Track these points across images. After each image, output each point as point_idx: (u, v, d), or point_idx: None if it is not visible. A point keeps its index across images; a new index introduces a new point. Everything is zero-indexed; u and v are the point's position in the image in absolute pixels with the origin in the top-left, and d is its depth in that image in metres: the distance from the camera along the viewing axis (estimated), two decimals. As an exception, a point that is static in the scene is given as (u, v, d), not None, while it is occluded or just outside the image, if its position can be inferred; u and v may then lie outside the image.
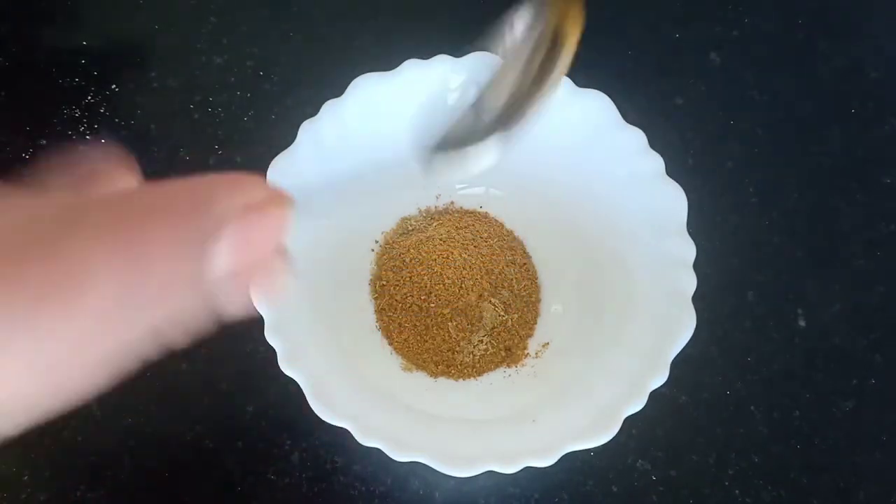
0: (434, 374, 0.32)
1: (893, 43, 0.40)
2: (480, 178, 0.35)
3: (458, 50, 0.31)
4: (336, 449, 0.33)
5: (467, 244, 0.33)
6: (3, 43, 0.38)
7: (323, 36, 0.39)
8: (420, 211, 0.35)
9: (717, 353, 0.35)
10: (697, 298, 0.28)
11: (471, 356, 0.32)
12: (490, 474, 0.27)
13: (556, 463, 0.26)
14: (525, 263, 0.34)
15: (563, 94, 0.31)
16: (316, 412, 0.26)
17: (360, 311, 0.33)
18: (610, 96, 0.31)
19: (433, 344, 0.32)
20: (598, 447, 0.26)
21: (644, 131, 0.30)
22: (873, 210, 0.37)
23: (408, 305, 0.32)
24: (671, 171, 0.30)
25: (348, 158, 0.32)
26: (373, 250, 0.34)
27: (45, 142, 0.36)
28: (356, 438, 0.26)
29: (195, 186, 0.16)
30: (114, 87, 0.38)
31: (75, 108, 0.37)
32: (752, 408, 0.34)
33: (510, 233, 0.35)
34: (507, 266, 0.33)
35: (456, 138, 0.24)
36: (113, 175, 0.16)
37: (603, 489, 0.32)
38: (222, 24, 0.39)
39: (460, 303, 0.32)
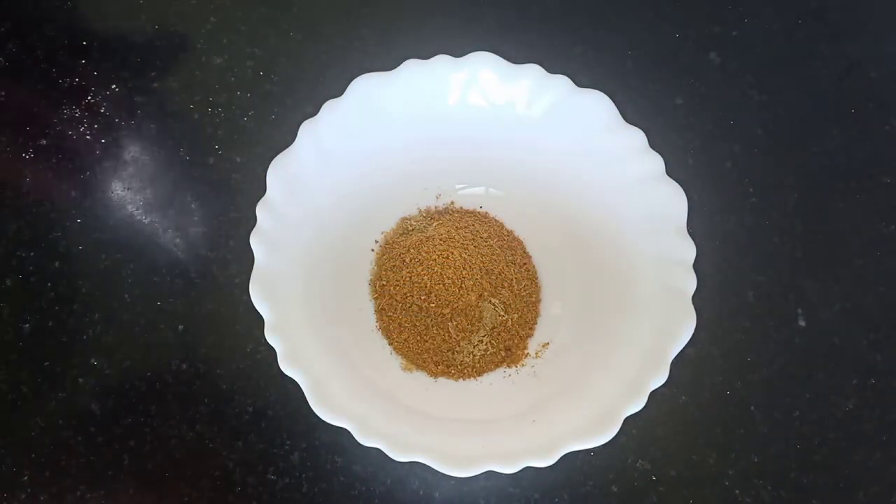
0: (434, 374, 0.32)
1: (893, 43, 0.40)
2: (480, 178, 0.35)
3: (458, 50, 0.31)
4: (336, 449, 0.33)
5: (467, 244, 0.33)
6: (3, 43, 0.38)
7: (323, 36, 0.39)
8: (420, 211, 0.35)
9: (717, 353, 0.35)
10: (697, 298, 0.28)
11: (471, 356, 0.32)
12: (490, 474, 0.27)
13: (556, 463, 0.26)
14: (525, 263, 0.34)
15: (563, 94, 0.31)
16: (316, 412, 0.26)
17: (360, 311, 0.33)
18: (610, 96, 0.31)
19: (433, 344, 0.32)
20: (598, 447, 0.26)
21: (644, 131, 0.30)
22: (873, 210, 0.37)
23: (408, 305, 0.32)
24: (671, 171, 0.30)
25: (348, 158, 0.32)
26: (373, 250, 0.34)
27: (45, 142, 0.36)
28: (356, 438, 0.26)
29: None
30: (114, 87, 0.38)
31: (75, 108, 0.37)
32: (752, 408, 0.34)
33: (510, 233, 0.35)
34: (507, 266, 0.33)
35: None
36: None
37: (603, 489, 0.33)
38: (222, 24, 0.39)
39: (460, 303, 0.32)
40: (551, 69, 0.31)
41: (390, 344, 0.33)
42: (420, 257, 0.33)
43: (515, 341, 0.33)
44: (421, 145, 0.33)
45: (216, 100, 0.37)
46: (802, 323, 0.35)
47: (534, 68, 0.31)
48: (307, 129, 0.30)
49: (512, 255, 0.34)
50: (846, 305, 0.36)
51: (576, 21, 0.40)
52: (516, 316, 0.33)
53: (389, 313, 0.33)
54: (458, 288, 0.32)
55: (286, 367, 0.27)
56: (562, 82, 0.31)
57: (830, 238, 0.37)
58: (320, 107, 0.30)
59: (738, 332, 0.35)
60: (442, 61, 0.31)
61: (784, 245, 0.36)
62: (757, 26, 0.40)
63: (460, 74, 0.31)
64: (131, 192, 0.36)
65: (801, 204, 0.37)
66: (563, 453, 0.26)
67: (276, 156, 0.29)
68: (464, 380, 0.32)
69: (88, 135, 0.37)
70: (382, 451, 0.26)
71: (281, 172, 0.29)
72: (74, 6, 0.39)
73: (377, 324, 0.33)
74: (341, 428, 0.26)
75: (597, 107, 0.31)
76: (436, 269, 0.32)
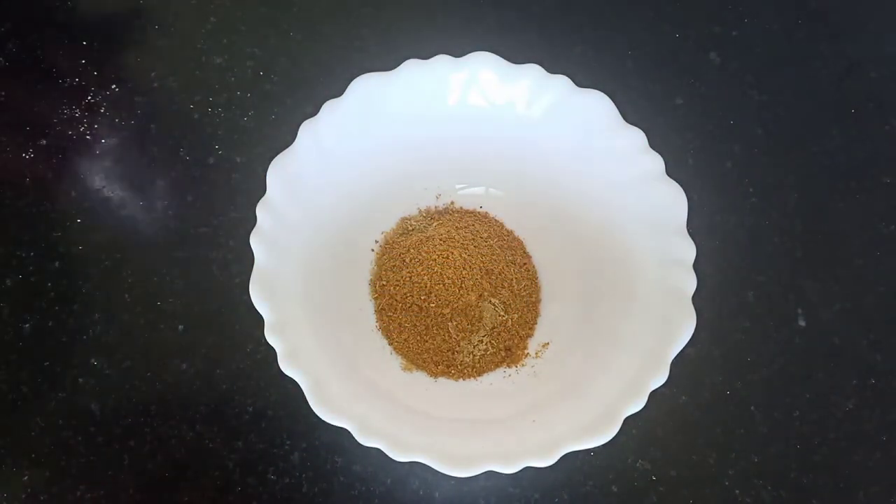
0: (434, 374, 0.32)
1: (893, 43, 0.40)
2: (480, 178, 0.35)
3: (458, 50, 0.31)
4: (336, 449, 0.33)
5: (467, 244, 0.33)
6: (3, 43, 0.38)
7: (323, 36, 0.39)
8: (420, 211, 0.35)
9: (717, 353, 0.35)
10: (697, 298, 0.28)
11: (471, 356, 0.32)
12: (490, 474, 0.27)
13: (556, 463, 0.26)
14: (525, 263, 0.34)
15: (563, 94, 0.31)
16: (316, 412, 0.26)
17: (360, 311, 0.33)
18: (610, 96, 0.31)
19: (433, 344, 0.32)
20: (598, 447, 0.26)
21: (644, 131, 0.30)
22: (873, 210, 0.37)
23: (408, 305, 0.32)
24: (671, 171, 0.30)
25: (348, 158, 0.32)
26: (373, 250, 0.34)
27: (45, 142, 0.36)
28: (356, 438, 0.26)
29: None
30: (114, 87, 0.38)
31: (75, 108, 0.37)
32: (752, 408, 0.34)
33: (510, 233, 0.35)
34: (507, 266, 0.33)
35: None
36: None
37: (603, 489, 0.32)
38: (222, 24, 0.39)
39: (460, 303, 0.32)
40: (551, 69, 0.31)
41: (390, 344, 0.33)
42: (420, 257, 0.33)
43: (515, 341, 0.33)
44: (421, 145, 0.33)
45: (216, 100, 0.37)
46: (802, 323, 0.35)
47: (534, 68, 0.31)
48: (307, 129, 0.30)
49: (512, 255, 0.34)
50: (846, 305, 0.36)
51: (576, 21, 0.40)
52: (516, 316, 0.33)
53: (389, 313, 0.33)
54: (458, 288, 0.32)
55: (286, 367, 0.27)
56: (562, 82, 0.31)
57: (830, 238, 0.37)
58: (320, 107, 0.30)
59: (738, 332, 0.35)
60: (442, 61, 0.31)
61: (784, 245, 0.36)
62: (757, 26, 0.40)
63: (460, 74, 0.31)
64: (131, 192, 0.36)
65: (801, 204, 0.37)
66: (563, 453, 0.26)
67: (276, 156, 0.29)
68: (464, 380, 0.32)
69: (88, 135, 0.37)
70: (382, 451, 0.26)
71: (281, 172, 0.29)
72: (74, 6, 0.39)
73: (377, 324, 0.33)
74: (341, 428, 0.26)
75: (597, 107, 0.31)
76: (436, 269, 0.32)
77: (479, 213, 0.35)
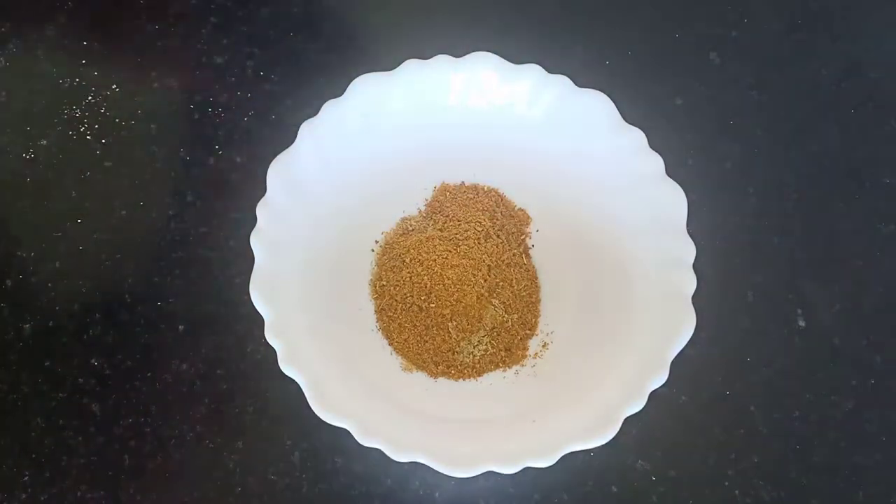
0: (434, 375, 0.32)
1: (893, 43, 0.40)
2: (481, 178, 0.35)
3: (458, 50, 0.31)
4: (336, 449, 0.33)
5: (468, 244, 0.33)
6: (3, 43, 0.38)
7: (323, 36, 0.39)
8: (420, 211, 0.35)
9: (717, 353, 0.34)
10: (697, 298, 0.28)
11: (471, 356, 0.32)
12: (490, 475, 0.27)
13: (556, 463, 0.26)
14: (525, 263, 0.34)
15: (563, 94, 0.31)
16: (316, 412, 0.26)
17: (360, 311, 0.33)
18: (610, 96, 0.31)
19: (433, 344, 0.32)
20: (598, 447, 0.27)
21: (644, 131, 0.30)
22: (873, 210, 0.37)
23: (408, 306, 0.32)
24: (671, 171, 0.30)
25: (348, 158, 0.32)
26: (373, 250, 0.34)
27: (45, 142, 0.36)
28: (356, 438, 0.26)
29: None
30: (114, 87, 0.38)
31: (75, 108, 0.37)
32: (752, 408, 0.34)
33: (511, 233, 0.35)
34: (507, 266, 0.33)
35: None
36: None
37: (603, 489, 0.32)
38: (222, 24, 0.39)
39: (460, 303, 0.32)
40: (551, 69, 0.31)
41: (390, 344, 0.33)
42: (420, 257, 0.33)
43: (515, 341, 0.33)
44: (421, 145, 0.33)
45: (216, 100, 0.37)
46: (802, 323, 0.35)
47: (534, 68, 0.31)
48: (307, 130, 0.30)
49: (512, 255, 0.34)
50: (846, 306, 0.36)
51: (576, 21, 0.40)
52: (516, 316, 0.33)
53: (389, 313, 0.33)
54: (458, 288, 0.32)
55: (286, 368, 0.27)
56: (562, 82, 0.31)
57: (830, 238, 0.37)
58: (320, 107, 0.30)
59: (738, 332, 0.35)
60: (442, 61, 0.31)
61: (784, 245, 0.36)
62: (757, 26, 0.40)
63: (460, 74, 0.31)
64: (131, 192, 0.36)
65: (800, 204, 0.37)
66: (563, 453, 0.26)
67: (276, 156, 0.29)
68: (464, 380, 0.32)
69: (88, 135, 0.37)
70: (382, 451, 0.26)
71: (281, 172, 0.29)
72: (74, 6, 0.39)
73: (377, 324, 0.33)
74: (341, 428, 0.26)
75: (597, 107, 0.31)
76: (436, 269, 0.32)
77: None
